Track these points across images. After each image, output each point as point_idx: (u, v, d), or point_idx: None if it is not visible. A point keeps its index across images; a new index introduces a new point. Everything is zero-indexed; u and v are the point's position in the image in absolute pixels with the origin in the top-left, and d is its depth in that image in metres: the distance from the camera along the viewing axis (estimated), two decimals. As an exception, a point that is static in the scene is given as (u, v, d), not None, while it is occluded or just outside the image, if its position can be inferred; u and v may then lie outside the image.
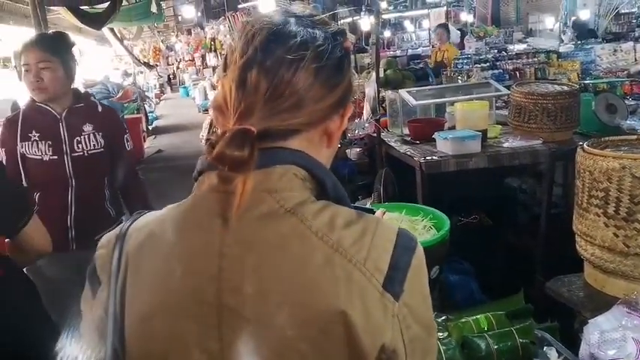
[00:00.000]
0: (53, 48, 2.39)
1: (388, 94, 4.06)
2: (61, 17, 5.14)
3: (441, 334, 1.49)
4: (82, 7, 4.98)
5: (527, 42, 6.78)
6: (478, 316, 1.54)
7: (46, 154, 2.35)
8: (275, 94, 0.82)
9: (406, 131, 3.77)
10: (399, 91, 3.78)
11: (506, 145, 3.32)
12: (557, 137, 3.34)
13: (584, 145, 1.77)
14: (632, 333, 1.43)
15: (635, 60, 5.34)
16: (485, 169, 3.32)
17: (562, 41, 6.35)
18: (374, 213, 1.35)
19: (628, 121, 3.55)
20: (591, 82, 4.62)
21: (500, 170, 3.69)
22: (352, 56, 0.94)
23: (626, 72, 5.35)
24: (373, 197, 3.53)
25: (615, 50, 5.33)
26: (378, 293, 0.77)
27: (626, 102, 3.81)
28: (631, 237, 1.59)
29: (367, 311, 0.76)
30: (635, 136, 1.87)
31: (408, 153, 3.41)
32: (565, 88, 3.54)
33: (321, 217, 0.80)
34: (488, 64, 5.58)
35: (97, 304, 0.89)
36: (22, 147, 2.36)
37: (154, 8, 7.00)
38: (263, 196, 0.81)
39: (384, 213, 1.39)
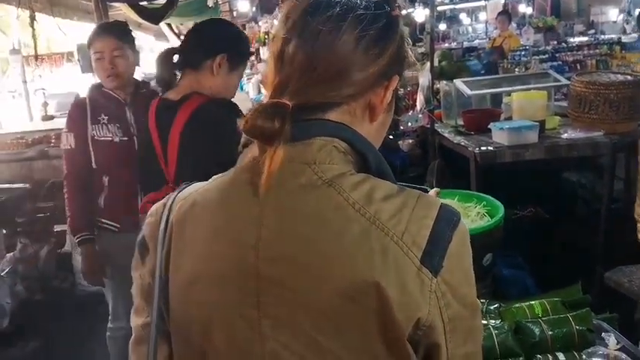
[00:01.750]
0: (123, 36, 2.49)
1: (442, 85, 4.00)
2: (122, 13, 5.29)
3: (493, 321, 1.46)
4: (141, 3, 5.11)
5: (589, 34, 6.53)
6: (532, 302, 1.50)
7: (116, 135, 2.44)
8: (312, 65, 0.81)
9: (460, 122, 3.71)
10: (454, 81, 3.72)
11: (564, 136, 3.22)
12: (619, 129, 3.21)
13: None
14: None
15: None
16: (542, 163, 3.23)
17: (625, 32, 6.08)
18: (426, 191, 1.34)
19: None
20: (657, 73, 4.42)
21: (558, 164, 3.58)
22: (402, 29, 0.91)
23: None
24: (425, 188, 3.49)
25: (684, 40, 5.08)
26: (415, 268, 0.76)
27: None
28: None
29: (403, 285, 0.75)
30: None
31: (462, 143, 3.35)
32: (629, 77, 3.40)
33: (360, 190, 0.79)
34: (547, 55, 5.42)
35: (145, 270, 0.92)
36: (92, 129, 2.45)
37: (210, 2, 7.11)
38: (302, 167, 0.81)
39: (438, 193, 1.37)
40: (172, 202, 0.91)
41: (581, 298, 1.80)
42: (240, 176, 0.86)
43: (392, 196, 0.80)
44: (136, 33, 2.90)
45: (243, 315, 0.81)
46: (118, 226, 2.50)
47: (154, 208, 0.94)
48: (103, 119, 2.45)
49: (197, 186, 0.92)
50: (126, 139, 2.44)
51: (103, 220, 2.54)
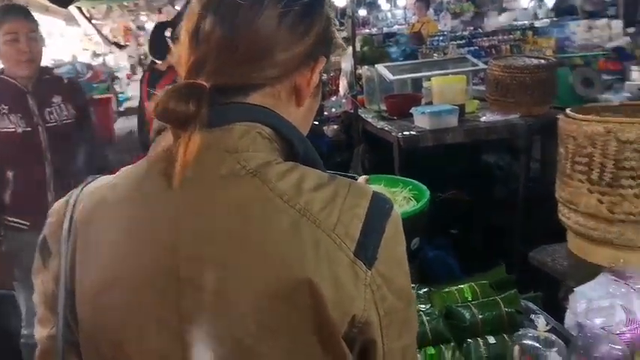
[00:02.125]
0: (33, 18, 2.28)
1: (365, 70, 3.99)
2: (26, -6, 4.94)
3: (423, 305, 1.44)
4: (47, -16, 4.80)
5: (499, 20, 6.76)
6: (462, 286, 1.49)
7: (19, 125, 2.24)
8: (231, 43, 0.74)
9: (383, 107, 3.71)
10: (376, 66, 3.71)
11: (483, 119, 3.28)
12: (534, 111, 3.30)
13: (567, 110, 1.72)
14: (619, 301, 1.39)
15: (610, 37, 5.34)
16: (461, 146, 3.28)
17: (537, 17, 6.34)
18: (355, 179, 1.29)
19: (604, 95, 3.54)
20: (567, 56, 4.60)
21: (477, 146, 3.66)
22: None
23: (600, 48, 5.35)
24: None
25: (590, 27, 5.31)
26: (349, 261, 0.71)
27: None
28: (616, 203, 1.55)
29: (336, 280, 0.70)
30: (617, 102, 1.83)
31: (386, 128, 3.35)
32: (542, 61, 3.50)
33: (287, 179, 0.73)
34: (464, 41, 5.53)
35: (48, 275, 0.82)
36: None
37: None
38: (222, 156, 0.73)
39: (368, 180, 1.32)
40: (76, 199, 0.81)
41: (506, 278, 1.82)
42: (153, 167, 0.78)
43: (322, 185, 0.74)
44: (43, 17, 2.71)
45: (161, 322, 0.73)
46: (27, 224, 2.31)
47: (55, 205, 0.83)
48: (3, 109, 2.24)
49: (104, 180, 0.82)
50: (29, 129, 2.25)
51: (9, 219, 2.34)
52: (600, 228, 1.61)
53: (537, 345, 1.19)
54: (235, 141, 0.74)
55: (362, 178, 1.27)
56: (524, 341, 1.20)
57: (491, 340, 1.35)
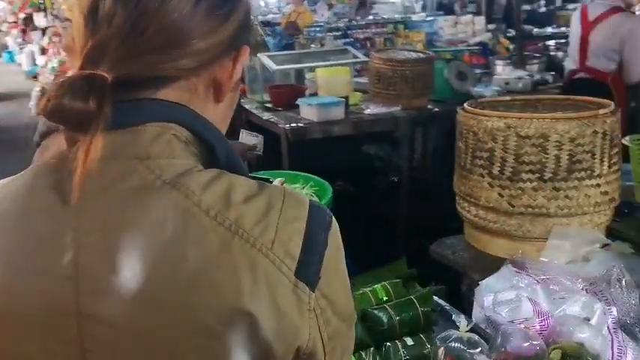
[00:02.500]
0: None
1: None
2: None
3: None
4: None
5: (372, 12, 6.92)
6: (375, 286, 1.44)
7: None
8: (137, 27, 0.62)
9: (267, 97, 3.61)
10: (259, 55, 3.58)
11: (367, 111, 3.30)
12: (414, 104, 3.38)
13: (465, 105, 1.74)
14: (524, 292, 1.41)
15: (474, 32, 5.64)
16: (342, 138, 3.28)
17: (412, 11, 6.59)
18: (270, 182, 1.18)
19: (476, 89, 3.70)
20: (437, 50, 4.78)
21: (358, 138, 3.69)
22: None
23: (465, 43, 5.63)
24: (236, 167, 3.33)
25: (456, 23, 5.58)
26: (290, 284, 0.61)
27: (473, 70, 3.97)
28: (516, 196, 1.58)
29: (277, 308, 0.60)
30: (508, 97, 1.88)
31: (272, 120, 3.26)
32: (421, 55, 3.60)
33: (213, 191, 0.61)
34: (340, 32, 5.57)
35: None
36: None
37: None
38: (131, 164, 0.61)
39: (284, 182, 1.22)
40: None
41: (408, 273, 1.80)
42: (42, 179, 0.63)
43: (253, 195, 0.63)
44: None
45: None
46: None
47: None
48: None
49: None
50: None
51: None
52: (500, 221, 1.64)
53: (462, 347, 1.16)
54: (146, 145, 0.62)
55: (277, 181, 1.16)
56: (450, 344, 1.17)
57: (409, 341, 1.31)
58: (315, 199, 1.88)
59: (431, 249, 1.80)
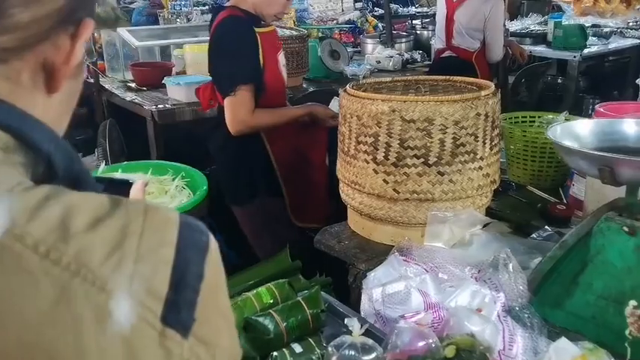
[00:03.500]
0: None
1: (104, 34, 3.49)
2: None
3: None
4: None
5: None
6: (259, 289, 1.30)
7: None
8: None
9: (129, 76, 3.29)
10: (119, 30, 3.25)
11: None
12: (289, 83, 3.22)
13: (347, 87, 1.63)
14: (413, 283, 1.35)
15: (343, 10, 5.61)
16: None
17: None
18: (130, 185, 0.99)
19: (350, 67, 3.65)
20: (308, 27, 4.68)
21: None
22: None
23: (335, 21, 5.58)
24: (97, 154, 3.01)
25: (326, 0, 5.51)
26: (156, 334, 0.46)
27: (345, 49, 3.91)
28: (400, 182, 1.51)
29: None
30: (389, 79, 1.80)
31: (136, 101, 2.97)
32: (294, 32, 3.46)
33: (44, 217, 0.45)
34: (207, 7, 5.28)
35: None
36: None
37: None
38: None
39: (147, 184, 1.03)
40: None
41: (291, 266, 1.69)
42: None
43: (103, 218, 0.46)
44: None
45: None
46: None
47: None
48: None
49: None
50: None
51: None
52: (385, 207, 1.56)
53: (356, 354, 1.06)
54: None
55: (139, 183, 0.97)
56: (344, 351, 1.06)
57: (298, 348, 1.19)
58: (187, 190, 1.69)
59: (315, 239, 1.69)
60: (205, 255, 0.51)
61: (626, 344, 0.90)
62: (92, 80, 3.30)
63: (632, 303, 0.88)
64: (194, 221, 0.54)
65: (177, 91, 2.91)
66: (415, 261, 1.44)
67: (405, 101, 1.46)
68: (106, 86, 3.27)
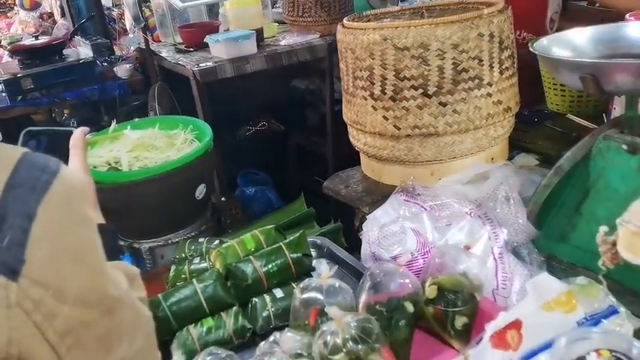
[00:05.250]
0: None
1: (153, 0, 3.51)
2: None
3: (196, 278, 1.17)
4: None
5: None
6: (244, 237, 1.25)
7: None
8: None
9: (179, 39, 3.31)
10: (162, -7, 3.26)
11: (283, 42, 3.04)
12: (333, 29, 3.06)
13: (344, 20, 1.51)
14: (410, 223, 1.24)
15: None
16: (268, 73, 3.04)
17: None
18: (70, 133, 0.96)
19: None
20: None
21: (286, 72, 3.44)
22: None
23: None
24: (150, 116, 3.07)
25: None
26: None
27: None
28: (400, 118, 1.39)
29: None
30: (397, 8, 1.65)
31: (181, 62, 2.97)
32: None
33: None
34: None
35: None
36: None
37: None
38: None
39: (88, 133, 1.00)
40: None
41: (305, 213, 1.63)
42: None
43: None
44: None
45: None
46: None
47: None
48: None
49: None
50: None
51: None
52: (388, 146, 1.45)
53: (320, 297, 0.99)
54: None
55: (78, 131, 0.94)
56: (309, 293, 1.00)
57: (279, 293, 1.14)
58: (196, 143, 1.67)
59: (325, 185, 1.62)
60: (43, 192, 0.47)
61: (600, 276, 0.76)
62: (145, 46, 3.35)
63: (603, 229, 0.73)
64: (42, 160, 0.50)
65: (218, 49, 2.88)
66: (416, 200, 1.33)
67: (396, 27, 1.33)
68: (157, 50, 3.31)
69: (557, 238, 1.11)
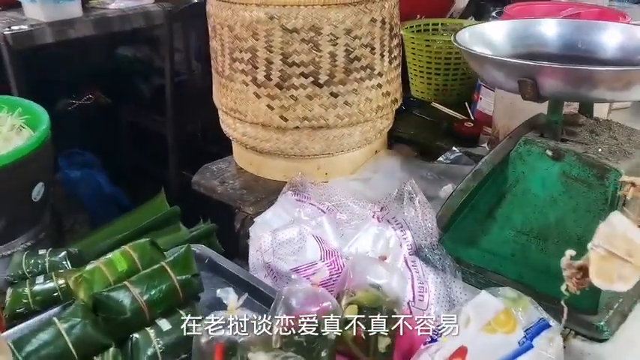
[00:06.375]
0: None
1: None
2: None
3: (57, 317, 0.91)
4: None
5: None
6: (112, 255, 1.00)
7: None
8: None
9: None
10: None
11: (112, 6, 2.64)
12: (171, -5, 2.80)
13: (217, -8, 1.29)
14: (308, 227, 1.10)
15: None
16: (93, 40, 2.63)
17: None
18: None
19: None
20: None
21: (112, 39, 3.03)
22: None
23: None
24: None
25: None
26: None
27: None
28: (288, 107, 1.23)
29: None
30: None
31: (-16, 22, 2.44)
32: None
33: None
34: None
35: None
36: None
37: None
38: None
39: None
40: None
41: (169, 212, 1.40)
42: None
43: None
44: None
45: None
46: None
47: None
48: None
49: None
50: None
51: None
52: (273, 138, 1.29)
53: (228, 335, 0.81)
54: None
55: None
56: (216, 333, 0.81)
57: (165, 325, 0.93)
58: (28, 130, 1.33)
59: (193, 180, 1.40)
60: None
61: (562, 302, 0.72)
62: None
63: (570, 252, 0.68)
64: None
65: (33, 10, 2.41)
66: (310, 200, 1.19)
67: (284, 5, 1.15)
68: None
69: (465, 241, 1.05)
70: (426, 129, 1.62)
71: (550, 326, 0.84)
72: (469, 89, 1.73)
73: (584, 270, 0.67)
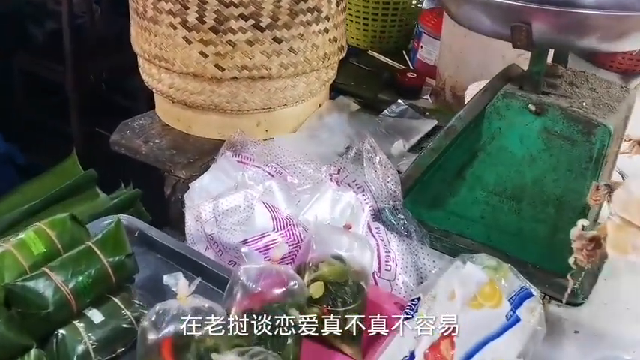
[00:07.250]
0: None
1: None
2: None
3: None
4: None
5: None
6: (22, 235, 0.81)
7: None
8: None
9: None
10: None
11: None
12: None
13: None
14: (255, 193, 0.97)
15: None
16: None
17: None
18: None
19: None
20: None
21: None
22: None
23: None
24: None
25: None
26: None
27: None
28: (225, 55, 1.06)
29: None
30: None
31: None
32: None
33: None
34: None
35: None
36: None
37: None
38: None
39: None
40: None
41: (83, 176, 1.22)
42: None
43: None
44: None
45: None
46: None
47: None
48: None
49: None
50: None
51: None
52: (206, 91, 1.12)
53: (181, 328, 0.68)
54: None
55: None
56: (166, 328, 0.67)
57: (97, 316, 0.78)
58: None
59: (112, 140, 1.20)
60: None
61: (569, 276, 0.65)
62: None
63: (582, 222, 0.61)
64: None
65: None
66: (254, 162, 1.05)
67: None
68: None
69: (428, 203, 0.97)
70: (366, 80, 1.51)
71: (533, 295, 0.78)
72: (406, 37, 1.63)
73: (596, 240, 0.59)
